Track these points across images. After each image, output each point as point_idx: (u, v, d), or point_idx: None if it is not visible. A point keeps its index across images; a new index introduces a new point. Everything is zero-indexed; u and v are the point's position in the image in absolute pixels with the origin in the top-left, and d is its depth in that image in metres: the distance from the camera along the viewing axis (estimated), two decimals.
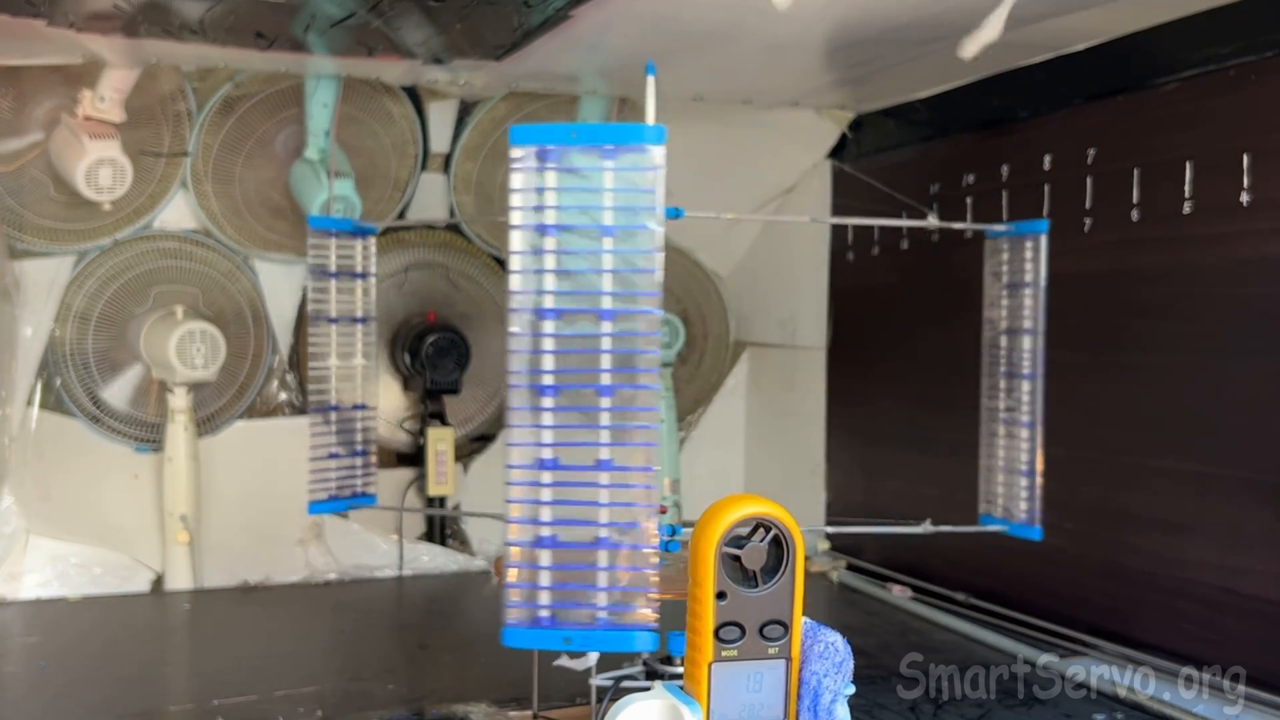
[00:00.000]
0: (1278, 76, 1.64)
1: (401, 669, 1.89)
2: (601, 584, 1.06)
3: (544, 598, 1.06)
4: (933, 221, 1.72)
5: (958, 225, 1.92)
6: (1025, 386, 1.72)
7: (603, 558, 1.06)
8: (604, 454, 1.05)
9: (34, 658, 1.99)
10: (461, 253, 2.69)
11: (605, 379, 1.05)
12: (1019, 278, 1.81)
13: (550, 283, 1.06)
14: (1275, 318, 1.63)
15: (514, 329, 1.08)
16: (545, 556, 1.06)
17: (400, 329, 2.62)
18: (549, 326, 1.06)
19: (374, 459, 1.74)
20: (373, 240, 1.70)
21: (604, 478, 1.05)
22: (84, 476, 2.39)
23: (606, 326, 1.06)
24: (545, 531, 1.06)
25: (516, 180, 1.09)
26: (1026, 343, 1.75)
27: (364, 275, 1.68)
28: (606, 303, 1.06)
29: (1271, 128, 1.64)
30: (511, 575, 1.06)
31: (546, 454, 1.06)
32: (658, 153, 1.09)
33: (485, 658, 1.93)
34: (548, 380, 1.05)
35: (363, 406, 1.71)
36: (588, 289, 1.06)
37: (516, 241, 1.08)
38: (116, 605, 2.31)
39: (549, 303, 1.06)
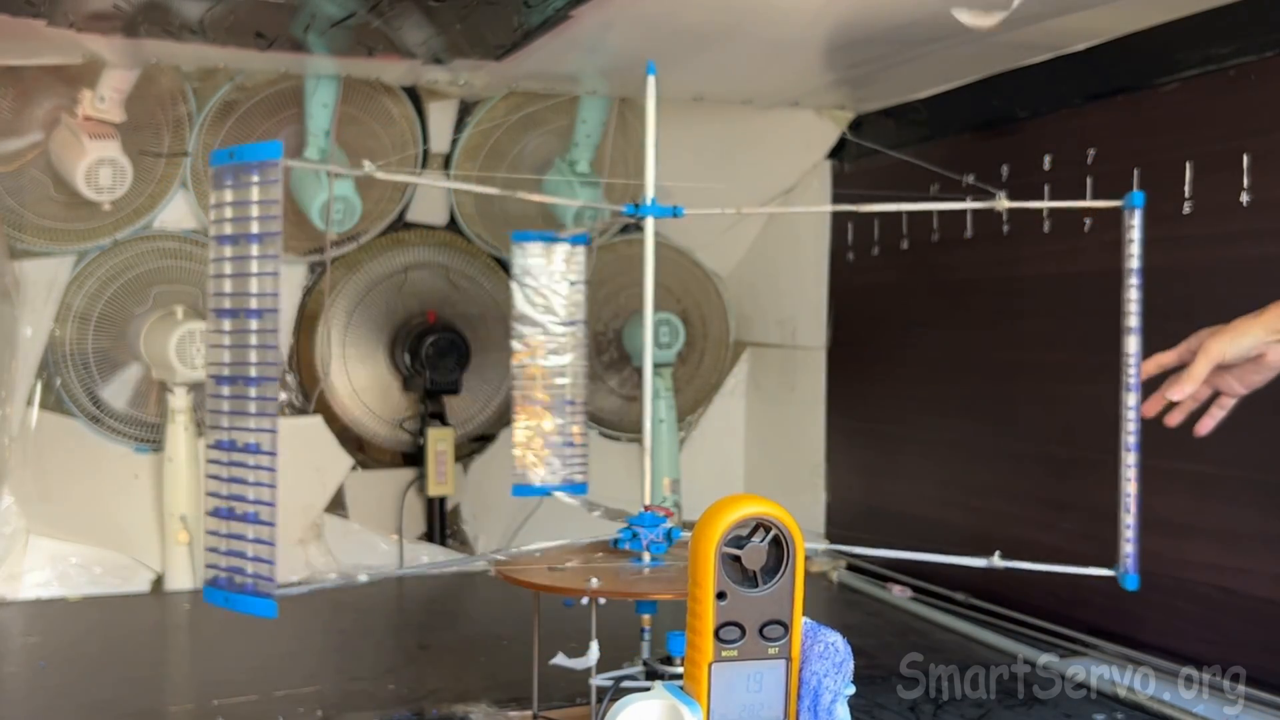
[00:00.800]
0: (1278, 76, 1.64)
1: (401, 669, 1.89)
2: (249, 554, 1.23)
3: (223, 562, 1.24)
4: (1003, 203, 1.56)
5: (1034, 205, 1.71)
6: (1130, 400, 1.40)
7: (249, 531, 1.22)
8: (251, 439, 1.21)
9: (34, 658, 1.99)
10: (461, 253, 2.69)
11: (253, 371, 1.22)
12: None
13: (228, 286, 1.22)
14: None
15: (210, 327, 1.24)
16: (223, 526, 1.24)
17: (400, 329, 2.62)
18: (226, 325, 1.22)
19: (585, 450, 1.81)
20: (582, 249, 1.80)
21: (250, 459, 1.21)
22: (84, 476, 2.39)
23: (254, 324, 1.21)
24: (221, 504, 1.24)
25: (210, 197, 1.25)
26: (1132, 345, 1.41)
27: (573, 282, 1.79)
28: (253, 304, 1.21)
29: (1271, 128, 1.64)
30: (209, 541, 1.24)
31: (223, 436, 1.23)
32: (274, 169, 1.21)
33: (485, 658, 1.93)
34: (225, 372, 1.23)
35: (571, 402, 1.79)
36: (240, 291, 1.23)
37: (210, 250, 1.24)
38: (116, 605, 2.31)
39: (226, 304, 1.22)
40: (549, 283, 1.80)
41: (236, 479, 1.24)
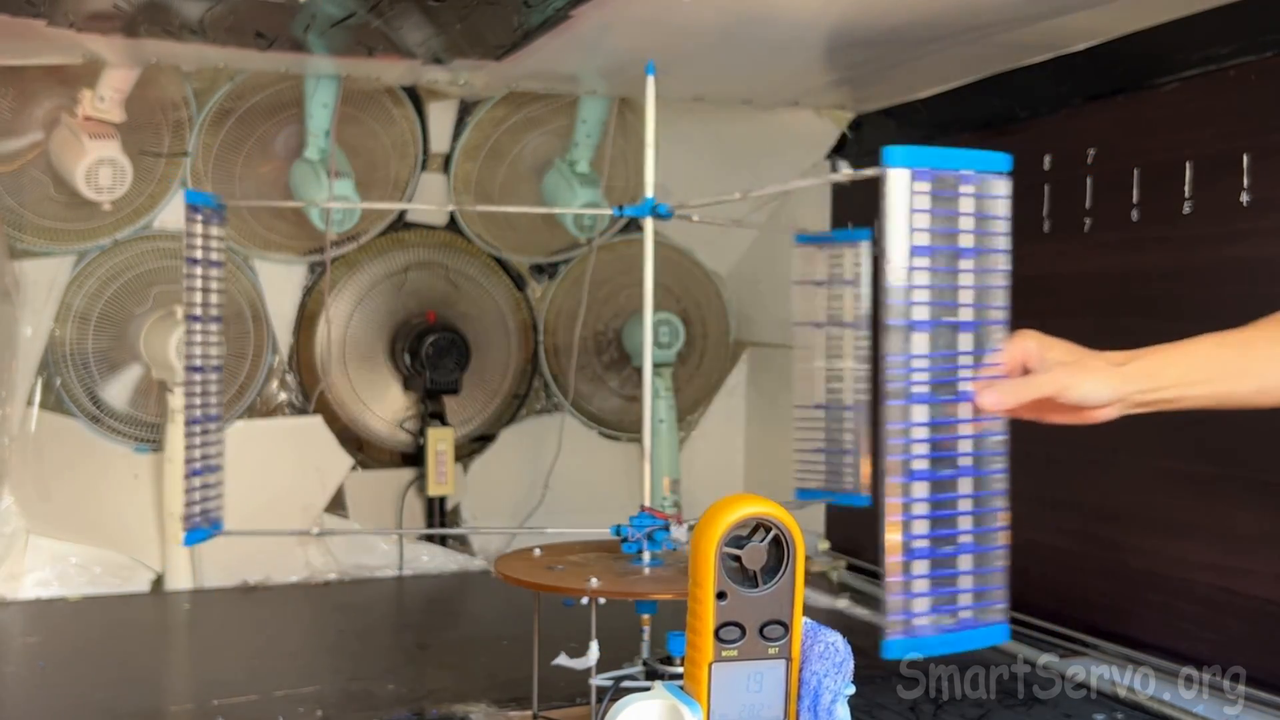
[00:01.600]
0: (1278, 76, 1.64)
1: (401, 669, 1.89)
2: (212, 496, 1.64)
3: (197, 509, 1.58)
4: (844, 174, 1.50)
5: (838, 178, 1.61)
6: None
7: (212, 479, 1.60)
8: (214, 411, 1.60)
9: (34, 658, 1.99)
10: (461, 253, 2.69)
11: (214, 361, 1.66)
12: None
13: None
14: None
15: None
16: (198, 481, 1.57)
17: (400, 329, 2.62)
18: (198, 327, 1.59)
19: (863, 459, 1.77)
20: (864, 245, 1.78)
21: (213, 426, 1.61)
22: (84, 476, 2.39)
23: (215, 327, 1.66)
24: (197, 464, 1.60)
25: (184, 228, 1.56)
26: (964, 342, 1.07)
27: (852, 282, 1.78)
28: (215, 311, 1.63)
29: (1271, 128, 1.64)
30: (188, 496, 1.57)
31: (195, 413, 1.57)
32: None
33: (485, 658, 1.93)
34: (197, 362, 1.58)
35: (852, 407, 1.77)
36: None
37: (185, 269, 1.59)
38: (116, 605, 2.31)
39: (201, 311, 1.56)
40: (833, 284, 1.79)
41: (207, 443, 1.58)
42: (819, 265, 1.79)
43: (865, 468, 1.75)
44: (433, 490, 2.59)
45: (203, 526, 1.56)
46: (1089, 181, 1.93)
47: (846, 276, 1.78)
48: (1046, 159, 2.04)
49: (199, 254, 1.54)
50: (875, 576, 2.44)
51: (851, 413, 1.78)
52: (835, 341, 1.79)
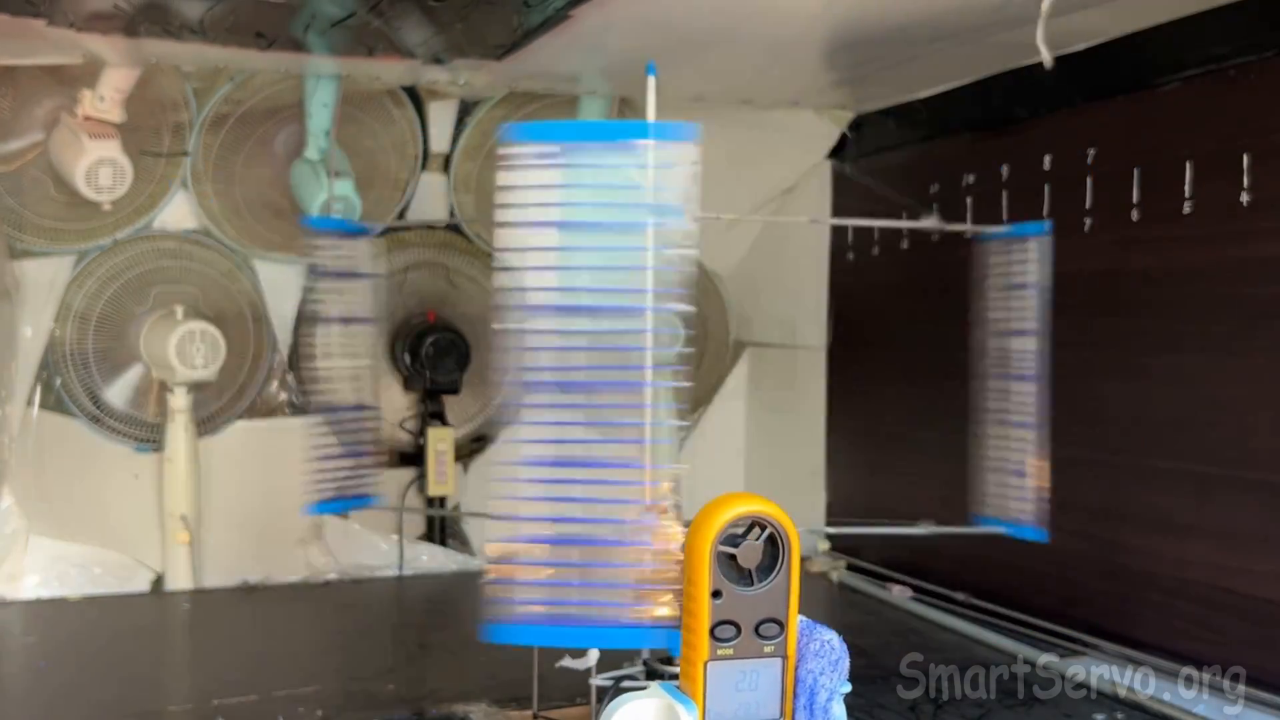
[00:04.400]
0: (1278, 76, 1.64)
1: (401, 669, 1.89)
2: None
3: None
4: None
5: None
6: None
7: (350, 461, 1.25)
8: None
9: (34, 658, 1.99)
10: (461, 253, 2.69)
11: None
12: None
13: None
14: (1275, 318, 1.63)
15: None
16: (333, 464, 1.44)
17: (400, 329, 2.62)
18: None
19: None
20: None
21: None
22: (84, 476, 2.39)
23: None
24: (349, 447, 1.44)
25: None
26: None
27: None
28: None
29: (1271, 128, 1.64)
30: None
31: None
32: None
33: (485, 658, 1.93)
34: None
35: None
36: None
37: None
38: (116, 605, 2.31)
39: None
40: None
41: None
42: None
43: None
44: (433, 490, 2.59)
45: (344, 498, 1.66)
46: (1089, 181, 1.93)
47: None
48: (1046, 159, 2.04)
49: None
50: (877, 577, 2.44)
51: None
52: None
